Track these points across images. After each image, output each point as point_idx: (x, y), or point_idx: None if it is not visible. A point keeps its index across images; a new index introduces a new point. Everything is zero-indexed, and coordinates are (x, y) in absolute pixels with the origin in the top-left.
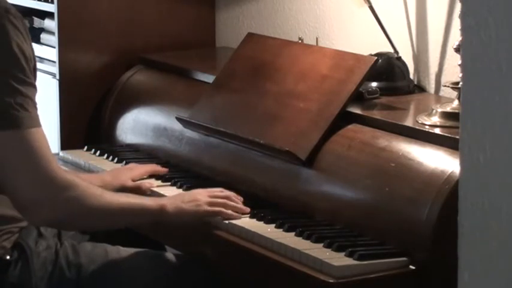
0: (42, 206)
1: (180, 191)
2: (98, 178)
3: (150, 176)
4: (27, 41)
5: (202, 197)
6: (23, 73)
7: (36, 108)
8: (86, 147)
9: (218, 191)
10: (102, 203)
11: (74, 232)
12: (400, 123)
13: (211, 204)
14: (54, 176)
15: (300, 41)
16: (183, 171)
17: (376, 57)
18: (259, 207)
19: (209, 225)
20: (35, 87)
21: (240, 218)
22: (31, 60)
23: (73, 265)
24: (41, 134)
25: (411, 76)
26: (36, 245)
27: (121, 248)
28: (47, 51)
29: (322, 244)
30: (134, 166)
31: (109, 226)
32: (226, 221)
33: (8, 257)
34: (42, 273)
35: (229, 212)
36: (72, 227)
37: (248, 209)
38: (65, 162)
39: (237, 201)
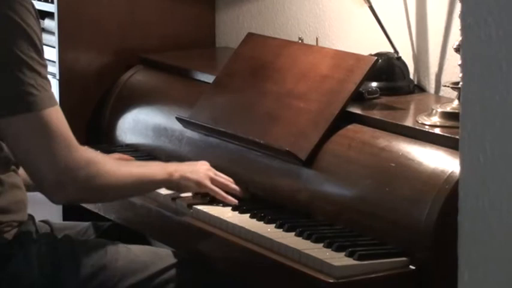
0: (64, 187)
1: None
2: None
3: None
4: (38, 23)
5: (206, 170)
6: (39, 55)
7: (51, 86)
8: (85, 148)
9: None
10: (118, 179)
11: (71, 230)
12: (400, 123)
13: (213, 180)
14: (75, 156)
15: (300, 41)
16: None
17: (376, 57)
18: (259, 207)
19: (209, 225)
20: (47, 66)
21: (235, 203)
22: (41, 40)
23: (72, 259)
24: (60, 111)
25: (411, 76)
26: (36, 240)
27: (120, 244)
28: (47, 51)
29: (322, 244)
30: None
31: (124, 198)
32: (228, 220)
33: (7, 251)
34: (41, 267)
35: (225, 195)
36: (91, 201)
37: (247, 194)
38: None
39: (236, 187)
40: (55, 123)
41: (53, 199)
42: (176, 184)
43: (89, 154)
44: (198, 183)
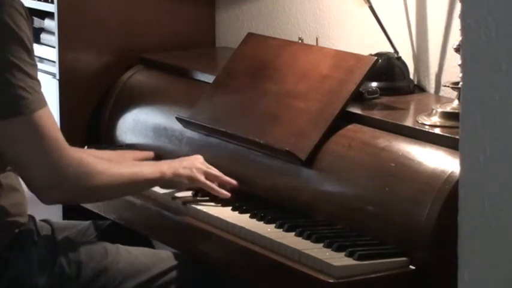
0: (55, 187)
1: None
2: (105, 154)
3: None
4: (28, 23)
5: (199, 164)
6: (29, 56)
7: (41, 86)
8: (85, 147)
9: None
10: (108, 179)
11: (72, 230)
12: (400, 123)
13: (205, 173)
14: (66, 156)
15: (300, 41)
16: None
17: (376, 57)
18: (259, 207)
19: (209, 225)
20: (37, 66)
21: (228, 196)
22: (31, 41)
23: (73, 262)
24: (49, 112)
25: (411, 76)
26: (36, 241)
27: (120, 246)
28: (47, 51)
29: (322, 244)
30: (135, 151)
31: (116, 197)
32: (228, 220)
33: (7, 253)
34: (41, 269)
35: (218, 189)
36: (82, 201)
37: (236, 183)
38: None
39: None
40: (46, 125)
41: (44, 200)
42: (169, 182)
43: (79, 154)
44: (191, 178)
